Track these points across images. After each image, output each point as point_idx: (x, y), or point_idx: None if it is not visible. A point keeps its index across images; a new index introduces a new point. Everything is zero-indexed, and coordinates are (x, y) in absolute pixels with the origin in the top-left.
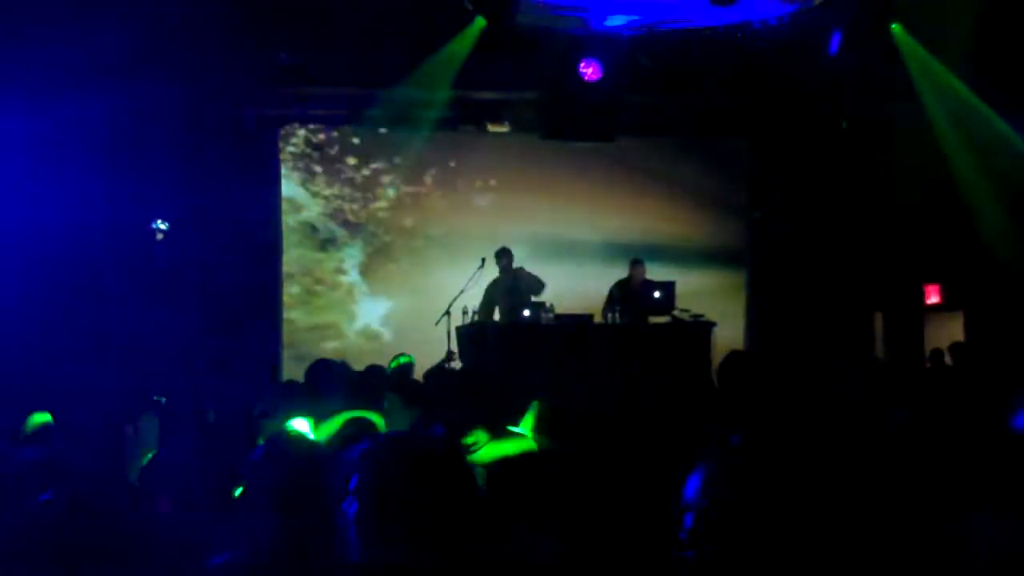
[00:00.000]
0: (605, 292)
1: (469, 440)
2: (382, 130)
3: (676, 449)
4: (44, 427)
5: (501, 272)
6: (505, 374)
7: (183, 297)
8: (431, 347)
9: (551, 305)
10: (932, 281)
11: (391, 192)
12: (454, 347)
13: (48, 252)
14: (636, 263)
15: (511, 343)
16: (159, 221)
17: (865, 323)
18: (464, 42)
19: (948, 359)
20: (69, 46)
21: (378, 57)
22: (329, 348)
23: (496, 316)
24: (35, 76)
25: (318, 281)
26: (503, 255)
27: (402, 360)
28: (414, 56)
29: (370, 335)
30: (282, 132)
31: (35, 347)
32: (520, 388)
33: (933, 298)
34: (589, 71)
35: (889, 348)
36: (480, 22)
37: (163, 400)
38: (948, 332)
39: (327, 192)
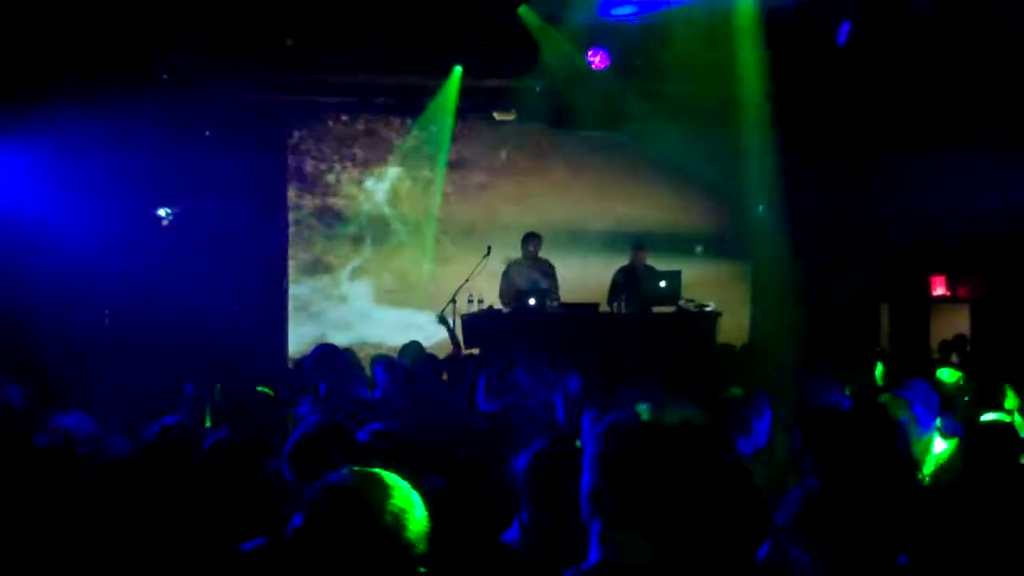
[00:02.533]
0: (610, 281)
1: None
2: (392, 117)
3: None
4: None
5: (526, 257)
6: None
7: (191, 284)
8: (435, 334)
9: (556, 294)
10: (938, 273)
11: (397, 179)
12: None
13: (54, 239)
14: (638, 247)
15: (517, 331)
16: (163, 208)
17: (871, 314)
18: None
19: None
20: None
21: (387, 44)
22: (334, 335)
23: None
24: (41, 64)
25: (325, 267)
26: (532, 240)
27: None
28: (423, 43)
29: (373, 322)
30: (289, 117)
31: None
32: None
33: (939, 290)
34: (596, 59)
35: (895, 339)
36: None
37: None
38: (954, 324)
39: (334, 179)
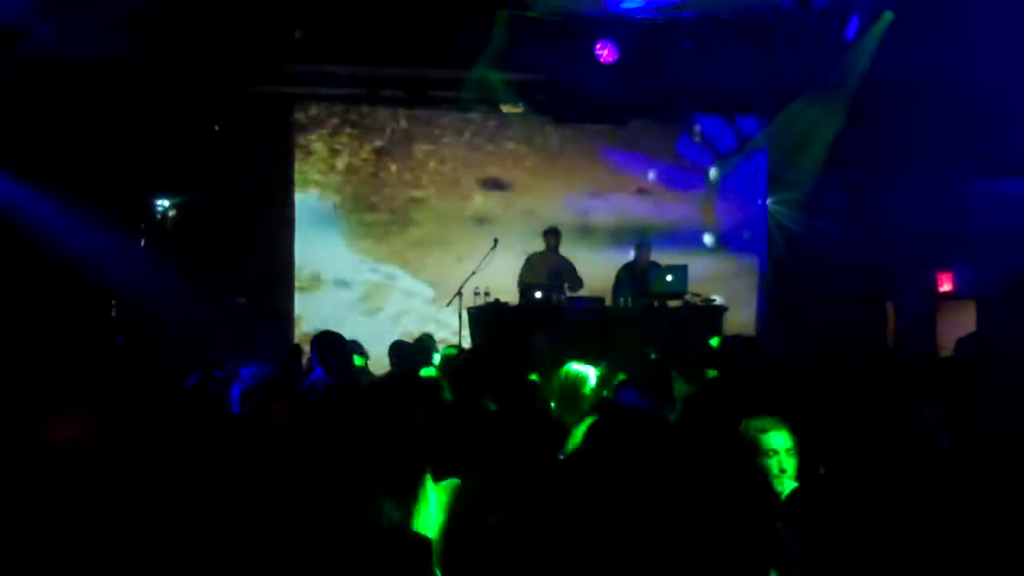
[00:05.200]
0: (614, 278)
1: None
2: (399, 109)
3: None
4: None
5: (548, 250)
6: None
7: (195, 275)
8: (441, 327)
9: (563, 287)
10: (944, 269)
11: (403, 172)
12: (465, 329)
13: (55, 232)
14: (641, 245)
15: (523, 324)
16: (163, 200)
17: (877, 310)
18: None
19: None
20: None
21: (393, 35)
22: (339, 326)
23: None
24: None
25: (330, 260)
26: (552, 234)
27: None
28: (431, 34)
29: (378, 314)
30: (295, 109)
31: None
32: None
33: (945, 286)
34: (604, 53)
35: (900, 336)
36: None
37: None
38: (960, 321)
39: (340, 170)
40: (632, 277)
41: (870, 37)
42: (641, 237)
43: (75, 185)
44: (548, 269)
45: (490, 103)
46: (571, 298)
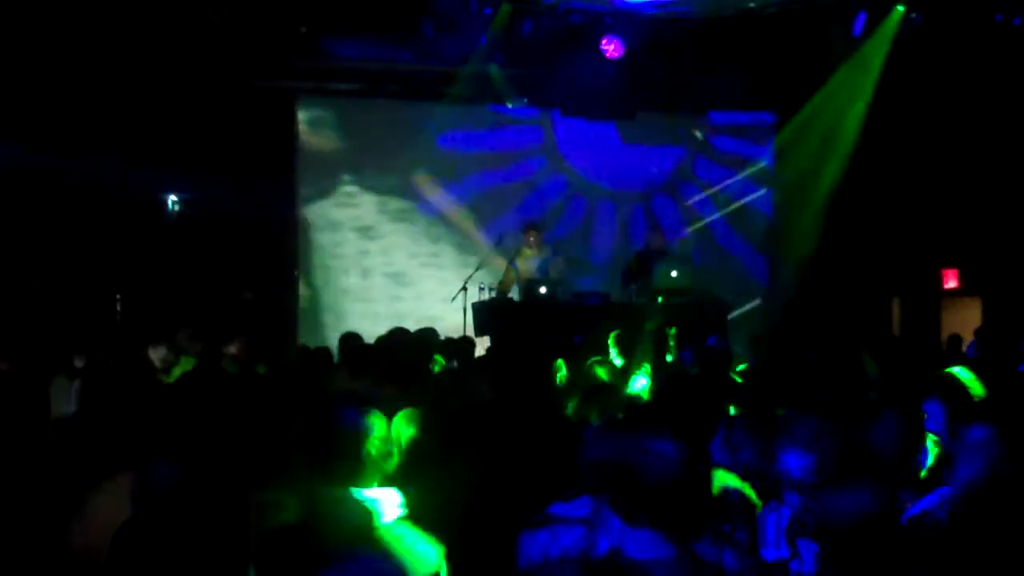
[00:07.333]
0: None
1: None
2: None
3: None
4: None
5: (529, 247)
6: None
7: (197, 271)
8: (444, 323)
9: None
10: (950, 266)
11: (407, 166)
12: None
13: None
14: (652, 228)
15: (528, 320)
16: (170, 195)
17: (883, 307)
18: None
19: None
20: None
21: (396, 31)
22: (342, 323)
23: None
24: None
25: (332, 255)
26: (532, 229)
27: None
28: (434, 30)
29: (381, 310)
30: (298, 105)
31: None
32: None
33: (951, 283)
34: (611, 48)
35: (906, 333)
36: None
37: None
38: (965, 317)
39: (341, 166)
40: (642, 265)
41: (882, 33)
42: (651, 222)
43: (81, 183)
44: (534, 266)
45: (495, 97)
46: (576, 294)
